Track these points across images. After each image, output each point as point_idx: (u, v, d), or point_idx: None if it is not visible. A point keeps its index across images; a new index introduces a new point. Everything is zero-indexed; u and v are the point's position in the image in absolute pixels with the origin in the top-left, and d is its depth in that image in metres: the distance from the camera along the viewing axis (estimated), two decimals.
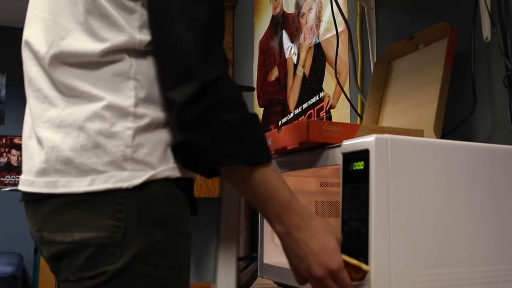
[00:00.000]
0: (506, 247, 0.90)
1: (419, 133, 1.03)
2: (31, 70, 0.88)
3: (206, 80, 0.78)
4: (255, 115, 0.83)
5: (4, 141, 5.18)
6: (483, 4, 1.13)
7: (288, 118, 2.10)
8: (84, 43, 0.82)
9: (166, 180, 0.83)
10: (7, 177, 5.15)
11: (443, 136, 1.16)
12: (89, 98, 0.82)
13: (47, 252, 0.84)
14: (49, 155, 0.82)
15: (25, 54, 0.90)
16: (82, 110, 0.81)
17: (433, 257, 0.84)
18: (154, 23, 0.83)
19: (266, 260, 1.14)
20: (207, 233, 2.87)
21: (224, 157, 0.79)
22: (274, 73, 2.25)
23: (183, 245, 0.86)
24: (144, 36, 0.83)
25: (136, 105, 0.82)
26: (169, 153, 0.84)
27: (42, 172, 0.83)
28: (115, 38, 0.82)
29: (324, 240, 0.82)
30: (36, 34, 0.88)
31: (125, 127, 0.81)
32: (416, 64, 1.27)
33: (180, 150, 0.84)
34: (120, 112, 0.81)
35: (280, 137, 1.04)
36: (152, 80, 0.84)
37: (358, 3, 1.62)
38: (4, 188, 5.04)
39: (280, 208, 0.82)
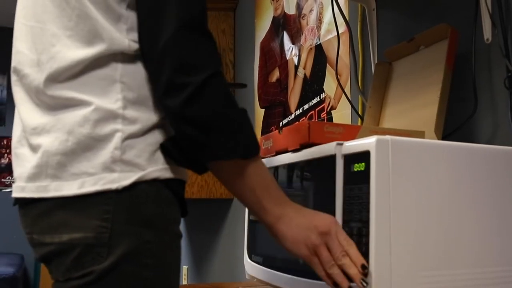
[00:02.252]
0: (508, 248, 0.90)
1: (420, 134, 1.03)
2: (20, 83, 0.90)
3: (198, 82, 0.79)
4: (246, 110, 0.85)
5: (5, 142, 5.18)
6: (484, 6, 1.13)
7: (289, 119, 2.10)
8: (74, 51, 0.83)
9: (155, 181, 0.83)
10: (9, 178, 5.15)
11: (444, 137, 1.16)
12: (77, 103, 0.83)
13: (38, 253, 0.85)
14: (40, 160, 0.83)
15: (17, 65, 0.91)
16: (72, 115, 0.82)
17: (434, 259, 0.84)
18: (141, 27, 0.83)
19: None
20: (208, 233, 2.87)
21: (223, 151, 0.82)
22: (275, 75, 2.25)
23: (172, 245, 0.87)
24: (133, 39, 0.84)
25: (124, 107, 0.83)
26: (158, 154, 0.85)
27: (33, 177, 0.84)
28: (103, 43, 0.83)
29: (299, 221, 0.85)
30: (26, 45, 0.89)
31: (114, 129, 0.82)
32: (417, 66, 1.27)
33: (171, 147, 0.84)
34: (109, 115, 0.82)
35: (281, 138, 1.05)
36: (141, 82, 0.85)
37: (359, 4, 1.62)
38: (5, 189, 5.05)
39: (266, 200, 0.85)
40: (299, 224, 0.84)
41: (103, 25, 0.83)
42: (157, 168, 0.84)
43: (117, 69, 0.84)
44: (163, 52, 0.80)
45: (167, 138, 0.85)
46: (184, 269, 3.21)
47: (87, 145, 0.81)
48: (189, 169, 0.88)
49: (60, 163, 0.81)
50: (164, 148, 0.85)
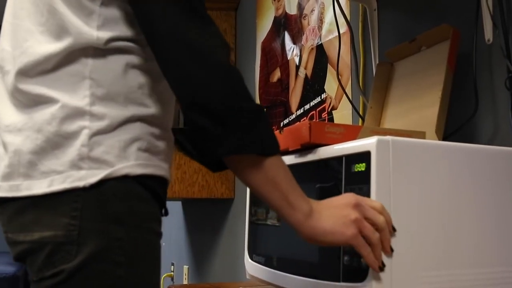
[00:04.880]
0: (508, 249, 0.90)
1: (421, 134, 1.03)
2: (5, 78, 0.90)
3: (215, 71, 0.78)
4: (262, 106, 0.83)
5: None
6: (485, 6, 1.14)
7: (290, 120, 2.10)
8: (44, 45, 0.83)
9: (126, 177, 0.82)
10: None
11: (444, 138, 1.16)
12: (46, 100, 0.82)
13: (13, 252, 0.85)
14: (12, 159, 0.83)
15: (0, 62, 0.91)
16: (41, 113, 0.82)
17: (434, 259, 0.84)
18: (142, 21, 0.82)
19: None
20: (209, 233, 2.87)
21: (239, 145, 0.79)
22: (276, 74, 2.25)
23: (148, 242, 0.85)
24: (103, 34, 0.83)
25: (92, 103, 0.82)
26: (131, 150, 0.84)
27: (6, 177, 0.84)
28: (70, 37, 0.83)
29: (328, 212, 0.81)
30: (9, 42, 0.89)
31: (81, 126, 0.81)
32: (418, 66, 1.27)
33: (185, 141, 0.83)
34: (75, 112, 0.81)
35: (282, 139, 1.05)
36: (112, 78, 0.84)
37: (360, 4, 1.62)
38: None
39: (292, 195, 0.81)
40: (329, 214, 0.81)
41: (70, 19, 0.82)
42: (128, 165, 0.82)
43: (87, 65, 0.83)
44: (166, 41, 0.79)
45: (182, 133, 0.84)
46: (185, 268, 3.21)
47: (56, 143, 0.81)
48: (204, 166, 0.85)
49: (31, 161, 0.81)
50: (178, 142, 0.83)
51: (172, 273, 3.49)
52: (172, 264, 3.50)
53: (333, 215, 0.80)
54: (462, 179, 0.88)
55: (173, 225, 3.44)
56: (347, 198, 0.81)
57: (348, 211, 0.80)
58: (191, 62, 0.79)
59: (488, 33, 1.14)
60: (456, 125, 1.20)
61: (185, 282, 3.17)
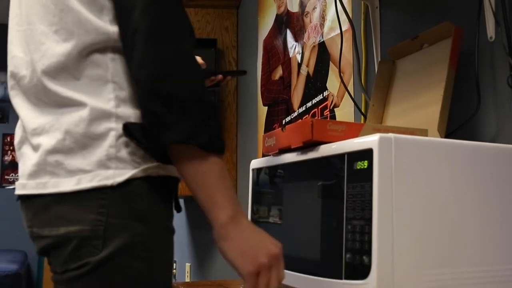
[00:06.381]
0: (511, 246, 0.90)
1: (423, 132, 1.03)
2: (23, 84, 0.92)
3: (172, 56, 0.81)
4: (217, 105, 0.85)
5: (8, 139, 5.19)
6: (487, 4, 1.13)
7: (292, 117, 2.10)
8: (61, 44, 0.86)
9: (149, 177, 0.86)
10: (12, 175, 5.16)
11: (447, 136, 1.16)
12: (73, 103, 0.85)
13: (37, 246, 0.89)
14: (40, 158, 0.86)
15: (13, 69, 0.93)
16: (68, 116, 0.85)
17: (437, 257, 0.84)
18: (115, 8, 0.85)
19: None
20: (211, 231, 2.87)
21: (190, 135, 0.81)
22: (278, 72, 2.25)
23: (165, 239, 0.90)
24: (117, 28, 0.85)
25: (117, 106, 0.85)
26: None
27: (33, 175, 0.87)
28: (88, 34, 0.85)
29: (251, 235, 0.84)
30: (21, 48, 0.92)
31: (108, 128, 0.84)
32: (421, 64, 1.27)
33: (134, 128, 0.85)
34: (103, 114, 0.84)
35: (284, 136, 1.05)
36: (129, 80, 0.87)
37: (362, 2, 1.62)
38: (9, 186, 5.06)
39: (221, 194, 0.84)
40: (251, 237, 0.84)
41: (86, 16, 0.85)
42: (151, 166, 0.86)
43: (108, 69, 0.86)
44: (134, 24, 0.82)
45: (134, 122, 0.86)
46: (187, 266, 3.21)
47: (83, 143, 0.84)
48: (150, 153, 0.87)
49: (58, 161, 0.85)
50: (127, 129, 0.85)
51: (174, 270, 3.50)
52: (174, 262, 3.50)
53: (251, 241, 0.84)
54: (464, 177, 0.88)
55: (175, 223, 3.44)
56: (275, 245, 0.84)
57: (262, 254, 0.83)
58: (157, 48, 0.81)
59: (490, 30, 1.14)
60: (459, 122, 1.20)
61: (187, 279, 3.18)
